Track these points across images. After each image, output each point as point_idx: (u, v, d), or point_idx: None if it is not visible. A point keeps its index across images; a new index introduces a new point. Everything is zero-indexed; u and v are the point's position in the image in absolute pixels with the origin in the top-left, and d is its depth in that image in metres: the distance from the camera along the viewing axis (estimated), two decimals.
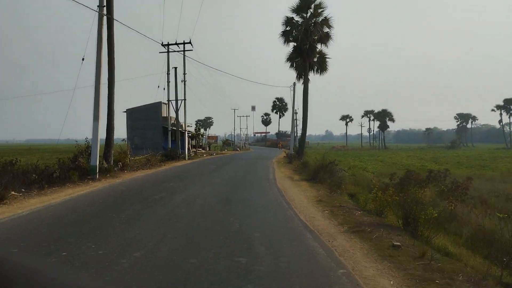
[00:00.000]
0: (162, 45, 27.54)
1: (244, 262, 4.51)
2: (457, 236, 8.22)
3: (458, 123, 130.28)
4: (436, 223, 6.59)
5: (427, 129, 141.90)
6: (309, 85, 33.90)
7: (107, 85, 15.09)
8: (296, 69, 34.32)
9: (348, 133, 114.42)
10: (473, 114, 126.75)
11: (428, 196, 9.18)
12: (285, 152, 35.41)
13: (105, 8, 14.23)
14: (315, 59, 33.88)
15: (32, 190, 10.38)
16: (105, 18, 14.26)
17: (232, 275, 4.09)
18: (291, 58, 33.93)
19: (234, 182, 13.67)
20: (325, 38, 32.82)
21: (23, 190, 10.19)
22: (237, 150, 57.12)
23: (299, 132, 42.90)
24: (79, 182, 12.33)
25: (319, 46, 33.22)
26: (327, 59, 34.19)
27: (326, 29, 32.54)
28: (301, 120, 36.17)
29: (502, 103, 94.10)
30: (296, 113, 47.39)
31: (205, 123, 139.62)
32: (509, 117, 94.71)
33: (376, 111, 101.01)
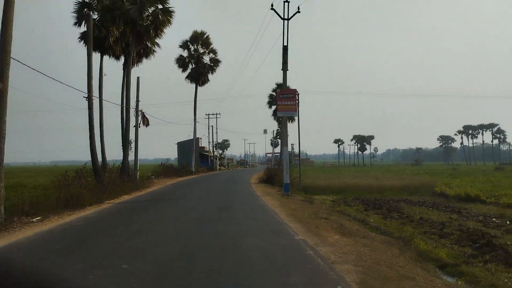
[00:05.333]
0: (206, 114, 57.74)
1: (235, 177, 33.63)
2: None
3: (441, 143, 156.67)
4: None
5: (418, 149, 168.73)
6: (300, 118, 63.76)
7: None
8: (277, 121, 63.85)
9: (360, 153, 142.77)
10: None
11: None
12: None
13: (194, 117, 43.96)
14: None
15: (178, 175, 39.70)
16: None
17: (236, 181, 33.28)
18: (274, 115, 63.46)
19: (237, 176, 42.77)
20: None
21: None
22: (246, 167, 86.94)
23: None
24: (188, 175, 41.48)
25: None
26: (298, 112, 63.76)
27: None
28: (287, 146, 65.72)
29: (462, 129, 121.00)
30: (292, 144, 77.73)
31: (223, 145, 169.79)
32: (468, 140, 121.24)
33: (366, 135, 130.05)
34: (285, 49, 18.56)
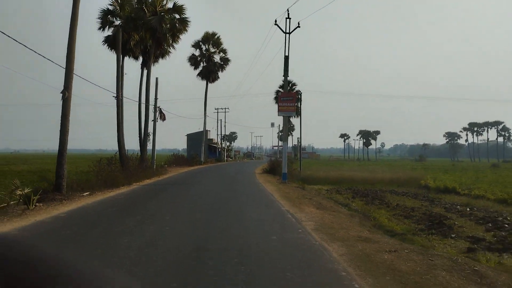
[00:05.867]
0: (215, 108, 61.06)
1: (241, 168, 36.96)
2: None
3: (447, 140, 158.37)
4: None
5: (424, 144, 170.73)
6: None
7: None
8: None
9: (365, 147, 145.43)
10: None
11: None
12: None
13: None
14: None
15: (188, 165, 43.20)
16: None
17: (242, 171, 36.60)
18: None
19: (244, 167, 46.06)
20: (298, 100, 65.51)
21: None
22: (252, 159, 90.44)
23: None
24: (197, 165, 44.90)
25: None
26: (301, 109, 66.77)
27: (299, 101, 65.21)
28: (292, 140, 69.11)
29: (467, 126, 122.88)
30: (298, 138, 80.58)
31: (230, 137, 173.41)
32: (473, 137, 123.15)
33: (372, 130, 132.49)
34: (286, 58, 21.70)
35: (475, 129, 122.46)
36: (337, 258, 6.01)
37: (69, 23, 12.76)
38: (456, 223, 14.92)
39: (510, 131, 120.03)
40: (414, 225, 14.63)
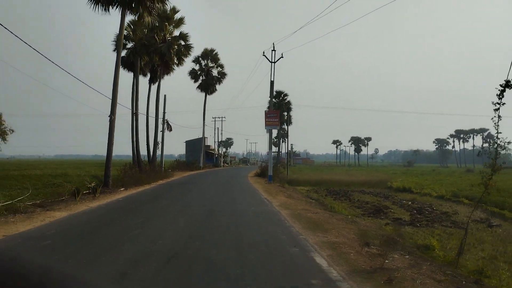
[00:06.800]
0: (213, 117, 66.97)
1: (236, 172, 42.73)
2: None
3: (437, 146, 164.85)
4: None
5: (415, 151, 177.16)
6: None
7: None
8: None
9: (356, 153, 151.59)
10: None
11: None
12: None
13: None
14: (285, 118, 72.54)
15: (188, 169, 48.90)
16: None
17: (236, 175, 42.37)
18: None
19: (238, 171, 51.80)
20: (288, 109, 71.57)
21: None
22: (247, 165, 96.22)
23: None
24: (197, 170, 50.57)
25: (285, 113, 71.91)
26: (291, 118, 72.75)
27: (289, 111, 71.24)
28: (279, 148, 74.77)
29: (454, 133, 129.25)
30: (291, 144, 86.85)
31: (227, 143, 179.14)
32: (459, 144, 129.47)
33: (363, 137, 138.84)
34: (271, 83, 27.57)
35: (461, 136, 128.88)
36: (283, 215, 11.77)
37: (114, 69, 18.57)
38: (392, 210, 20.75)
39: (494, 138, 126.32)
40: (361, 212, 20.37)
